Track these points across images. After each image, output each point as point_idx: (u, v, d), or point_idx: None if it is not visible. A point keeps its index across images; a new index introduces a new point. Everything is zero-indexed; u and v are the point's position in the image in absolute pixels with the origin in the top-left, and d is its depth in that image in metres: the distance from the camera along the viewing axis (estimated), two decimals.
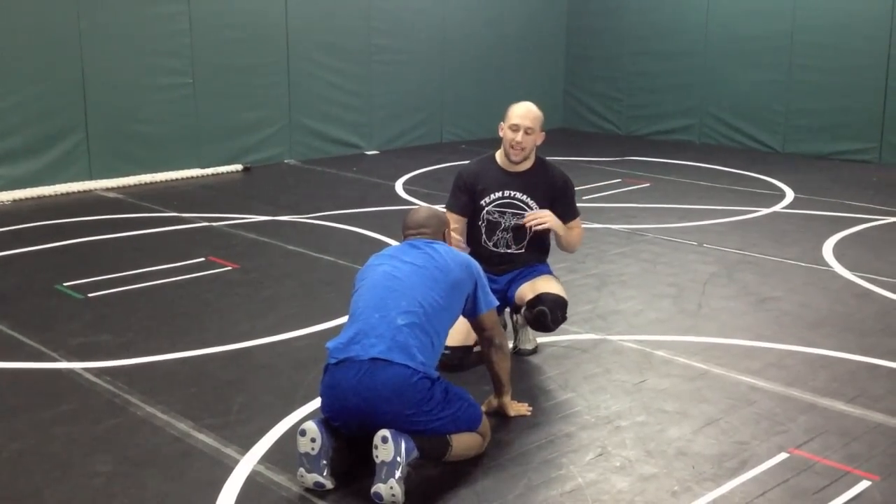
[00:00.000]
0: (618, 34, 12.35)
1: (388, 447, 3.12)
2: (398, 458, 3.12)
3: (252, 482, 3.35)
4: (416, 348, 3.31)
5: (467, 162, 4.65)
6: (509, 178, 4.47)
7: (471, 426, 3.42)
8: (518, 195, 4.45)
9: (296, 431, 3.35)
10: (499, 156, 4.51)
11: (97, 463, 3.49)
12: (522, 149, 4.39)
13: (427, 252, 3.58)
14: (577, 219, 4.60)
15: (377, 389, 3.23)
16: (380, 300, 3.41)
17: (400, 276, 3.48)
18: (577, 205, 4.61)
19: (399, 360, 3.26)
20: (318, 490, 3.25)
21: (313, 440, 3.22)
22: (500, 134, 4.46)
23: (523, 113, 4.38)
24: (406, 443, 3.16)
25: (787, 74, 10.88)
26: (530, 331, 4.58)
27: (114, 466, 3.47)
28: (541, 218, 4.38)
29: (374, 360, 3.26)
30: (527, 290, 4.39)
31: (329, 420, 3.32)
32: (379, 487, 3.11)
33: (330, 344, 3.41)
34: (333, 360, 3.34)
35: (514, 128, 4.37)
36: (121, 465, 3.48)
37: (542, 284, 4.39)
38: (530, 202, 4.45)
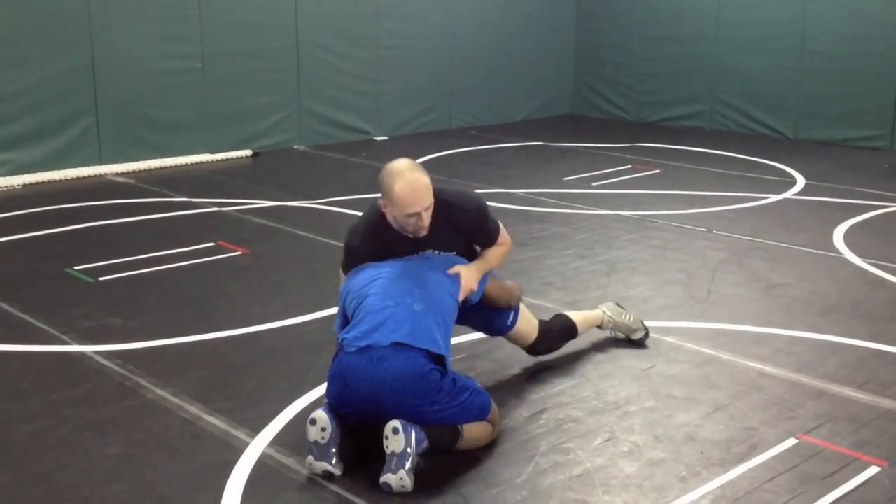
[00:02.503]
0: (628, 19, 12.29)
1: (399, 438, 3.14)
2: (408, 450, 3.14)
3: (262, 465, 3.37)
4: (437, 331, 3.36)
5: (355, 229, 3.73)
6: (413, 244, 3.68)
7: (479, 415, 3.44)
8: (427, 252, 3.75)
9: (306, 415, 3.38)
10: (392, 222, 3.60)
11: (108, 445, 3.51)
12: (428, 225, 3.55)
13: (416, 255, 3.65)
14: (499, 236, 3.84)
15: (386, 380, 3.24)
16: (390, 291, 3.43)
17: (403, 271, 3.52)
18: (493, 222, 3.81)
19: (422, 344, 3.28)
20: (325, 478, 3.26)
21: (323, 429, 3.24)
22: (384, 210, 3.56)
23: (414, 198, 3.44)
24: (417, 434, 3.18)
25: (798, 60, 10.81)
26: (626, 314, 4.57)
27: (124, 448, 3.49)
28: (466, 290, 3.64)
29: (394, 344, 3.27)
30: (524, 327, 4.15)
31: (336, 407, 3.33)
32: (388, 478, 3.14)
33: (347, 335, 3.37)
34: (352, 349, 3.32)
35: (413, 215, 3.48)
36: (131, 447, 3.50)
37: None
38: (440, 254, 3.78)
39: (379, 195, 3.58)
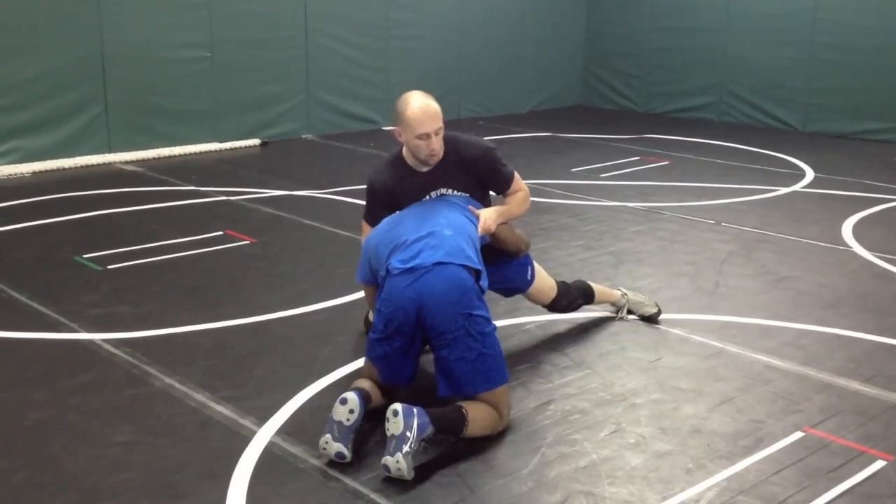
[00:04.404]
0: (638, 10, 12.25)
1: (398, 421, 3.17)
2: (407, 433, 3.16)
3: (269, 453, 3.38)
4: (469, 250, 3.58)
5: (375, 169, 4.03)
6: (426, 180, 3.90)
7: (494, 380, 3.48)
8: (442, 192, 3.93)
9: (313, 404, 3.38)
10: (408, 157, 3.90)
11: (116, 433, 3.53)
12: (440, 149, 3.82)
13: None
14: (514, 181, 4.07)
15: (431, 287, 3.44)
16: (420, 225, 3.66)
17: (425, 209, 3.79)
18: (506, 167, 4.06)
19: (459, 261, 3.51)
20: (336, 461, 3.28)
21: (352, 411, 3.29)
22: (399, 139, 3.84)
23: (425, 118, 3.72)
24: (419, 418, 3.19)
25: (808, 52, 10.77)
26: (641, 295, 4.83)
27: (132, 436, 3.50)
28: (483, 229, 3.85)
29: (436, 264, 3.48)
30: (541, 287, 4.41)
31: (385, 327, 3.49)
32: (387, 460, 3.16)
33: (391, 261, 3.55)
34: (397, 271, 3.51)
35: (424, 136, 3.73)
36: (139, 434, 3.52)
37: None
38: (456, 193, 3.95)
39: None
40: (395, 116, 3.80)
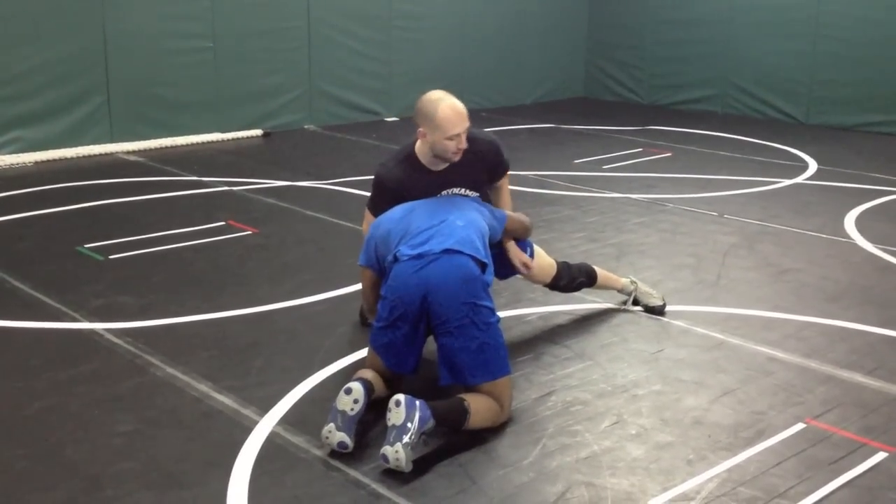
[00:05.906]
0: (641, 1, 12.21)
1: (400, 411, 3.18)
2: (408, 424, 3.16)
3: (271, 443, 3.39)
4: (479, 242, 3.61)
5: (385, 161, 4.05)
6: (439, 178, 3.94)
7: (500, 367, 3.49)
8: (454, 190, 3.99)
9: (314, 395, 3.37)
10: (422, 155, 3.92)
11: (118, 422, 3.53)
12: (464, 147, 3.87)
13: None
14: (507, 173, 4.23)
15: (438, 274, 3.46)
16: (435, 212, 3.72)
17: (438, 201, 3.85)
18: (507, 159, 4.19)
19: (469, 251, 3.53)
20: (338, 451, 3.28)
21: (356, 401, 3.30)
22: (424, 139, 3.84)
23: (457, 119, 3.75)
24: (421, 411, 3.20)
25: (812, 45, 10.74)
26: (649, 286, 4.87)
27: (134, 426, 3.51)
28: (525, 269, 4.17)
29: (445, 251, 3.50)
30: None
31: (390, 314, 3.50)
32: (386, 450, 3.17)
33: (400, 248, 3.59)
34: (405, 258, 3.54)
35: (454, 137, 3.77)
36: (141, 424, 3.52)
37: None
38: (468, 192, 4.02)
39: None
40: (422, 118, 3.80)
